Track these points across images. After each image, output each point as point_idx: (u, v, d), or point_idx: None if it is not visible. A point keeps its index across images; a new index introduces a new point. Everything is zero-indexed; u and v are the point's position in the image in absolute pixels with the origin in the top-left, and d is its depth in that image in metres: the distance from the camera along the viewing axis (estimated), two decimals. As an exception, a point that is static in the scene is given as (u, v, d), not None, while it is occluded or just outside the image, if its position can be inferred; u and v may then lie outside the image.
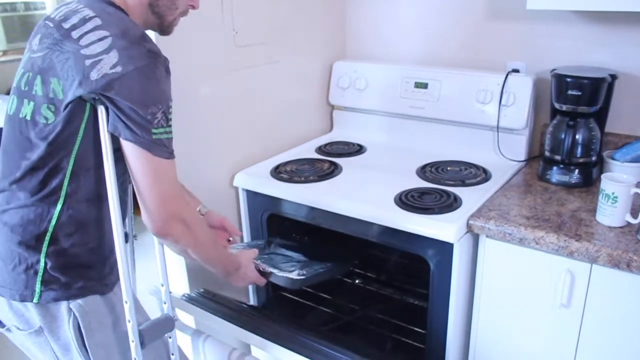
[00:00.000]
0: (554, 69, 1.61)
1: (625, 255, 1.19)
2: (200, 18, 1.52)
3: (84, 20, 1.04)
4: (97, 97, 1.01)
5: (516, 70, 1.77)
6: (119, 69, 0.98)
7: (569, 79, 1.53)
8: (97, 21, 1.03)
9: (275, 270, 1.45)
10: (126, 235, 1.56)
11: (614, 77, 1.57)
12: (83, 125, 1.05)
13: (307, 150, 1.96)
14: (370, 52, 2.15)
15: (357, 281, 2.04)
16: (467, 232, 1.40)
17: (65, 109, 1.03)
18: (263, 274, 1.47)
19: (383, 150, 1.95)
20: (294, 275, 1.44)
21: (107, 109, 1.03)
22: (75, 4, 1.09)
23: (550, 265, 1.31)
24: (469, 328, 1.52)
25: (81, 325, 1.10)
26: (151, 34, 1.21)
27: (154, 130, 1.03)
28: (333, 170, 1.74)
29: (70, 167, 1.07)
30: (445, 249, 1.39)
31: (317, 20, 2.05)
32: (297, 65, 2.00)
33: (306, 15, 1.98)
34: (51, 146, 1.05)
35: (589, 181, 1.56)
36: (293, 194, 1.63)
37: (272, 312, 1.66)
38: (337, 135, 2.14)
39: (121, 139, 1.04)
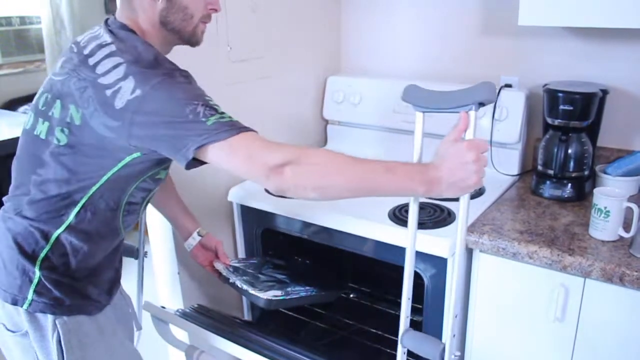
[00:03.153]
0: (546, 84, 1.62)
1: (618, 269, 1.19)
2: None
3: (100, 46, 1.05)
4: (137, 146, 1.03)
5: (509, 85, 1.79)
6: (138, 92, 0.99)
7: (560, 94, 1.55)
8: (112, 47, 1.05)
9: (249, 288, 1.45)
10: (137, 251, 1.58)
11: (605, 91, 1.59)
12: (114, 170, 1.08)
13: (302, 165, 1.96)
14: (364, 67, 2.16)
15: (351, 295, 2.03)
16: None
17: (93, 140, 1.04)
18: (223, 278, 1.50)
19: (377, 165, 1.95)
20: (268, 295, 1.43)
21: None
22: (97, 29, 1.11)
23: (544, 280, 1.32)
24: (463, 343, 1.52)
25: (62, 342, 1.12)
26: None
27: (204, 120, 0.99)
28: (327, 185, 1.73)
29: (82, 202, 1.10)
30: (439, 263, 1.39)
31: (312, 35, 2.07)
32: (291, 80, 2.01)
33: (301, 31, 2.00)
34: (69, 172, 1.07)
35: (582, 195, 1.57)
36: (287, 209, 1.63)
37: (266, 327, 1.65)
38: (331, 149, 2.13)
39: (186, 158, 1.00)
